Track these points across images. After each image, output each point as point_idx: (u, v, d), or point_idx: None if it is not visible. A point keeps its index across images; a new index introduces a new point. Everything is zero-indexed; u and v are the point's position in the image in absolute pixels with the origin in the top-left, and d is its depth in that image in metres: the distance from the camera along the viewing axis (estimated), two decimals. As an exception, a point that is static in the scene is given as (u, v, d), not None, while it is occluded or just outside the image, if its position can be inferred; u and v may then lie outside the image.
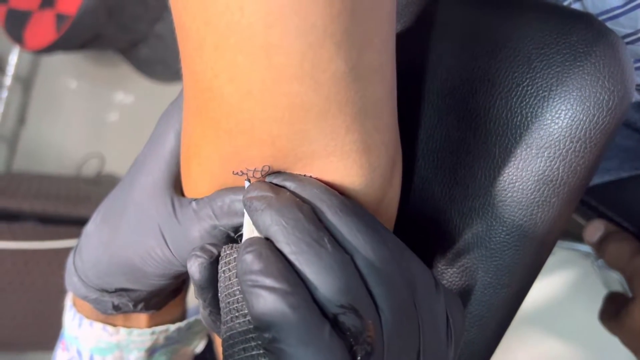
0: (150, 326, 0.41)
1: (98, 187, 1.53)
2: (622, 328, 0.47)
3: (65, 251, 1.17)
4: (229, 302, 0.24)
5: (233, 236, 0.28)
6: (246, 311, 0.23)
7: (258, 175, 0.25)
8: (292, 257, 0.22)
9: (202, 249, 0.27)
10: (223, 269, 0.25)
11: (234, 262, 0.25)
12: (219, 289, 0.25)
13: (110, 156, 1.73)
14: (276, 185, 0.25)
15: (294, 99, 0.21)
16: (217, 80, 0.22)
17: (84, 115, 1.84)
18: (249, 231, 0.25)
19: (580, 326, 0.97)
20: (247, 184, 0.25)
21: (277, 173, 0.25)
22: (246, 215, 0.25)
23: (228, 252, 0.26)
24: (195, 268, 0.26)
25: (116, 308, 0.35)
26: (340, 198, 0.24)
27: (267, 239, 0.23)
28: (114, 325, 0.39)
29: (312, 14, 0.19)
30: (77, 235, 0.35)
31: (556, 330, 0.99)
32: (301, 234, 0.22)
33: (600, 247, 0.48)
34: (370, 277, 0.23)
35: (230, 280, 0.24)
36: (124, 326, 0.40)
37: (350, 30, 0.20)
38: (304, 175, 0.25)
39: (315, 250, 0.22)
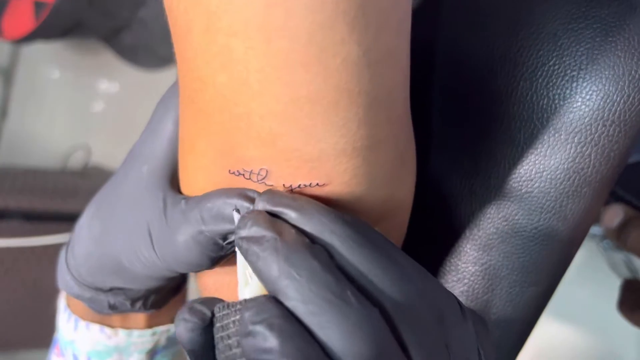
0: (150, 326, 0.39)
1: (85, 179, 1.51)
2: None
3: (55, 247, 1.15)
4: None
5: (221, 243, 0.24)
6: None
7: (255, 178, 0.22)
8: (309, 320, 0.18)
9: (191, 310, 0.21)
10: (220, 334, 0.20)
11: (233, 326, 0.20)
12: None
13: (96, 147, 1.70)
14: (274, 216, 0.21)
15: (299, 90, 0.19)
16: (208, 68, 0.19)
17: (68, 105, 1.82)
18: (244, 278, 0.21)
19: (585, 307, 0.97)
20: (236, 216, 0.22)
21: (270, 192, 0.22)
22: (239, 256, 0.21)
23: (224, 312, 0.21)
24: (184, 335, 0.21)
25: (112, 307, 0.33)
26: (351, 225, 0.21)
27: (272, 296, 0.19)
28: (112, 326, 0.38)
29: None
30: (66, 230, 0.33)
31: (560, 311, 0.99)
32: (318, 289, 0.18)
33: (620, 234, 0.46)
34: (402, 324, 0.19)
35: (231, 349, 0.20)
36: (123, 327, 0.38)
37: (366, 6, 0.18)
38: (302, 196, 0.22)
39: (339, 309, 0.18)
